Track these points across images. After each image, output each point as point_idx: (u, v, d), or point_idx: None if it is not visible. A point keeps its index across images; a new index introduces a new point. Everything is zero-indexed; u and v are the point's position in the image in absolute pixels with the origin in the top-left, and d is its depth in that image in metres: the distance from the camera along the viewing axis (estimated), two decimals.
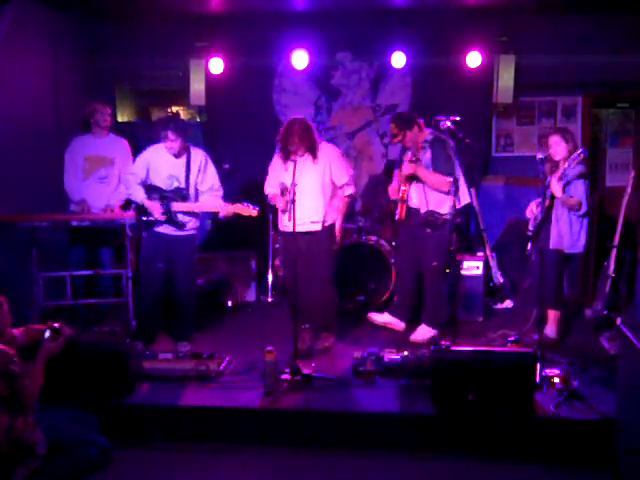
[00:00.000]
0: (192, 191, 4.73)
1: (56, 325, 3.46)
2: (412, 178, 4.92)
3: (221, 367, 4.29)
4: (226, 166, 6.07)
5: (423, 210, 4.91)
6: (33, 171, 5.28)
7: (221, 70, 6.33)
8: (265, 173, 4.85)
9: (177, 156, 4.67)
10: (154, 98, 7.09)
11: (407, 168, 4.86)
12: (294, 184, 4.26)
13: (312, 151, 4.59)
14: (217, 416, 3.86)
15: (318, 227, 4.65)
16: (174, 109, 7.14)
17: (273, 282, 6.14)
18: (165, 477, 3.55)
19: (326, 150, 4.69)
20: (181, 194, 4.66)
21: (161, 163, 4.69)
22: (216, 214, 4.71)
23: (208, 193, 4.77)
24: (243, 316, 5.86)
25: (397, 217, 5.02)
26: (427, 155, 4.87)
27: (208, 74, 6.34)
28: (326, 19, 6.27)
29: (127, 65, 6.49)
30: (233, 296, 6.14)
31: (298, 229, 4.44)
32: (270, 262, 6.17)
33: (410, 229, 5.03)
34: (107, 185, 5.38)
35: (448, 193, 4.78)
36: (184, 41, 6.31)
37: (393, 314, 5.26)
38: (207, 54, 6.30)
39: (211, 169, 4.80)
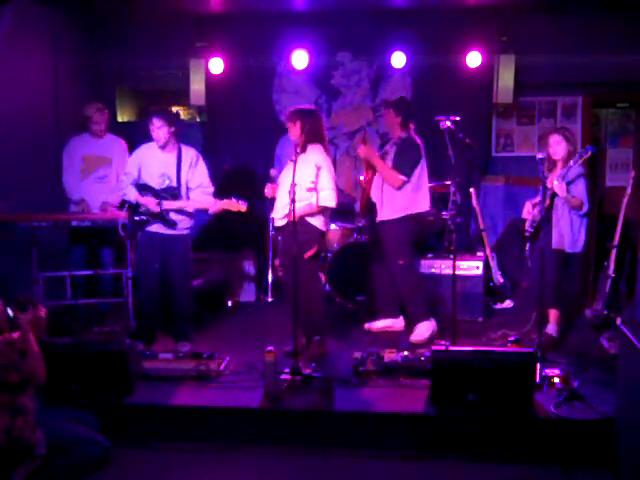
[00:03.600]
0: (183, 190, 4.73)
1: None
2: (373, 167, 4.98)
3: (221, 367, 4.29)
4: (226, 166, 6.08)
5: (378, 203, 4.98)
6: (33, 171, 5.28)
7: (221, 70, 6.34)
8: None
9: (163, 148, 4.65)
10: (154, 98, 7.10)
11: (360, 150, 5.00)
12: (294, 184, 4.25)
13: (303, 143, 4.49)
14: (217, 416, 3.86)
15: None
16: (174, 109, 7.15)
17: (273, 282, 6.14)
18: (165, 477, 3.54)
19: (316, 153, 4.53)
20: (172, 192, 4.66)
21: (153, 162, 4.69)
22: (206, 211, 4.72)
23: (198, 190, 4.76)
24: (243, 316, 5.86)
25: (358, 207, 5.05)
26: (393, 150, 4.96)
27: (208, 74, 6.35)
28: (326, 19, 6.28)
29: (127, 65, 6.50)
30: (233, 296, 6.15)
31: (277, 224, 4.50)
32: (270, 262, 6.18)
33: (375, 225, 5.09)
34: (105, 185, 5.38)
35: (399, 189, 4.87)
36: (184, 41, 6.32)
37: (386, 316, 5.26)
38: (207, 54, 6.31)
39: (202, 167, 4.79)
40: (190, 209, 4.72)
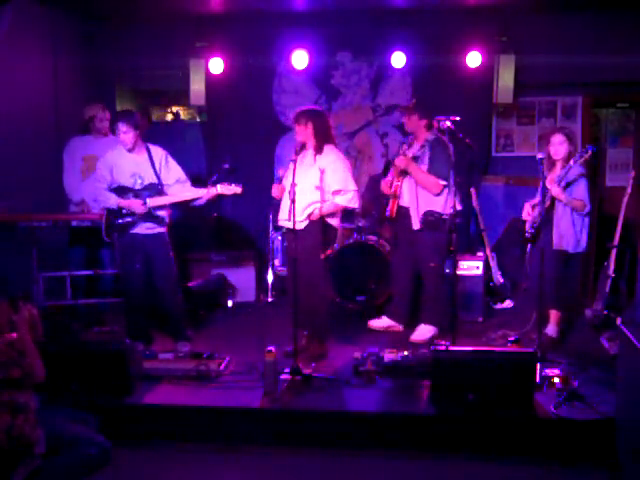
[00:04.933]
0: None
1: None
2: (406, 173, 4.92)
3: (221, 367, 4.29)
4: (226, 166, 6.07)
5: (412, 209, 4.91)
6: (33, 171, 5.28)
7: (221, 70, 6.33)
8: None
9: (131, 150, 4.61)
10: (154, 98, 7.10)
11: (399, 161, 4.91)
12: (294, 184, 4.25)
13: (319, 145, 4.51)
14: (217, 416, 3.86)
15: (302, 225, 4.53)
16: (174, 109, 7.15)
17: (273, 282, 6.14)
18: (165, 477, 3.54)
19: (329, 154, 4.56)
20: (156, 189, 4.62)
21: (124, 163, 4.64)
22: (193, 201, 4.68)
23: (178, 185, 4.71)
24: (243, 316, 5.86)
25: (387, 213, 5.03)
26: (426, 155, 4.87)
27: (208, 74, 6.34)
28: (326, 19, 6.27)
29: (127, 65, 6.50)
30: (233, 296, 6.15)
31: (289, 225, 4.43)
32: (270, 262, 6.18)
33: (406, 229, 5.02)
34: None
35: (438, 195, 4.81)
36: (184, 41, 6.31)
37: (391, 317, 5.26)
38: (207, 54, 6.30)
39: (173, 163, 4.75)
40: (176, 200, 4.66)
